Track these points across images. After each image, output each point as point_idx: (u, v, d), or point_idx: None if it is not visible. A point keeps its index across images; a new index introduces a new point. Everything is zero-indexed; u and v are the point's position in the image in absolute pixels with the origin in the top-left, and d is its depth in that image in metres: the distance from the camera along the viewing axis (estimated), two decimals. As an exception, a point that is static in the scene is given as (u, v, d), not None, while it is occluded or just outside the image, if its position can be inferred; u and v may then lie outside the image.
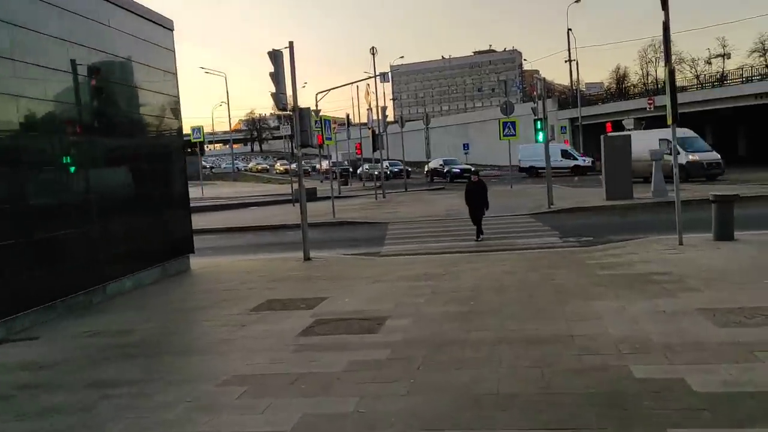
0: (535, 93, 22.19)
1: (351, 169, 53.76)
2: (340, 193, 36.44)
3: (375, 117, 34.25)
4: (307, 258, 13.63)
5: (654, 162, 21.78)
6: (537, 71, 22.36)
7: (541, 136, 22.03)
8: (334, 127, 38.53)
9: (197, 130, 43.09)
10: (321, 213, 24.44)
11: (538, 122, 21.91)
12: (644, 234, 14.00)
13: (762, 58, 67.13)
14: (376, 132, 31.83)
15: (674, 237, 12.28)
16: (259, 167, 72.56)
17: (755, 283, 8.31)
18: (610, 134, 26.97)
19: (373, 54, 35.08)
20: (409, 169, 54.04)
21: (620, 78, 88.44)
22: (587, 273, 9.80)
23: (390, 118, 53.08)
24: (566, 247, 13.61)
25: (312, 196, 33.65)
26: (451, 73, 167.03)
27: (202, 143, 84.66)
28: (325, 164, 53.07)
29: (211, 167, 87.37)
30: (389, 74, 53.14)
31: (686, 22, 70.44)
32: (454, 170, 45.64)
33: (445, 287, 9.42)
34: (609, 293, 8.21)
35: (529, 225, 17.98)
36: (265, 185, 51.53)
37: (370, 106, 36.08)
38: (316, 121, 22.92)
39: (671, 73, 11.87)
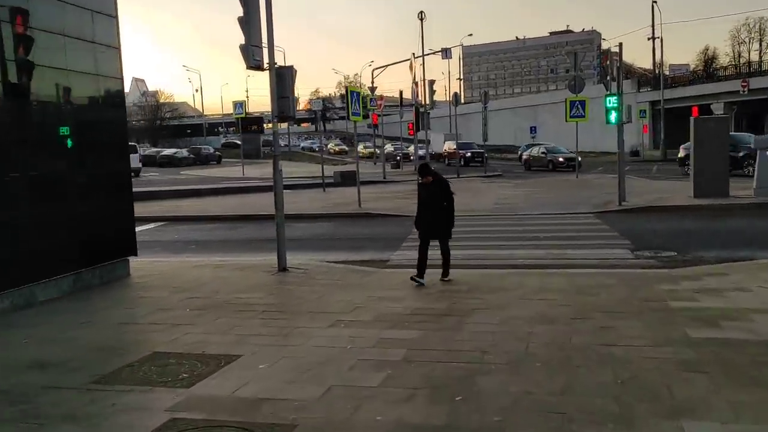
0: (607, 63, 17.82)
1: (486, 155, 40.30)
2: (384, 178, 33.51)
3: (421, 95, 30.43)
4: (282, 268, 10.27)
5: (759, 152, 17.22)
6: (618, 47, 18.49)
7: (613, 116, 17.78)
8: (379, 104, 35.20)
9: (240, 105, 40.23)
10: (349, 201, 21.35)
11: (609, 99, 17.65)
12: (748, 249, 10.25)
13: None
14: (420, 110, 27.91)
15: (802, 262, 8.38)
16: (337, 149, 69.33)
17: None
18: (701, 117, 22.30)
19: (422, 19, 31.01)
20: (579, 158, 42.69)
21: (708, 59, 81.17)
22: (671, 333, 5.97)
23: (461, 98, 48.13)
24: (638, 268, 9.70)
25: (350, 180, 30.59)
26: (526, 54, 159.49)
27: (261, 120, 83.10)
28: (448, 145, 42.27)
29: (285, 145, 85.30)
30: (450, 50, 49.31)
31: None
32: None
33: (430, 348, 5.80)
34: (715, 398, 4.39)
35: (591, 228, 14.01)
36: (313, 166, 48.39)
37: (415, 80, 32.06)
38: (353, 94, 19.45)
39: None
